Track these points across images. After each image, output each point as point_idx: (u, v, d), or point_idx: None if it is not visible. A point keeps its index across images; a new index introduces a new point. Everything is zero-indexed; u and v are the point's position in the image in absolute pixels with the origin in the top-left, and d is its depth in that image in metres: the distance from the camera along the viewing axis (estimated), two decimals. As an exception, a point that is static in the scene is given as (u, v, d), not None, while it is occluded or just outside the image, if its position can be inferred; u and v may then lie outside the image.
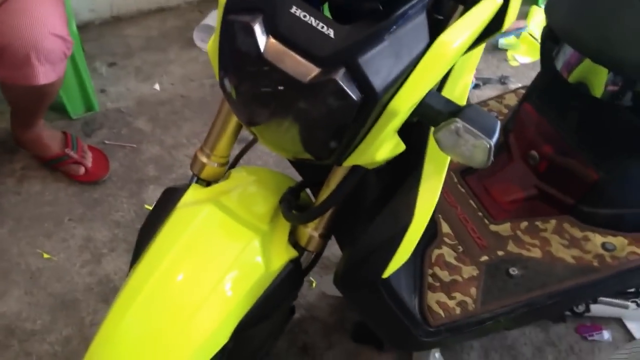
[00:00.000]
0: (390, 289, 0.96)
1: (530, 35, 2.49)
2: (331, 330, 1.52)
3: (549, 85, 1.26)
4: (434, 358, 1.43)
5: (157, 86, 2.17)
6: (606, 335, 1.51)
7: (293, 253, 0.97)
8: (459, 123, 0.70)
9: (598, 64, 1.06)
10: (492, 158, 0.72)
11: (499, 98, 1.48)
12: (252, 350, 1.04)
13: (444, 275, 1.13)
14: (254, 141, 1.09)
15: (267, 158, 1.91)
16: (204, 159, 1.01)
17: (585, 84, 1.14)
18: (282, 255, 0.96)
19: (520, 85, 2.24)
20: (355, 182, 0.89)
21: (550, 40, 1.20)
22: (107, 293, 1.54)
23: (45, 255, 1.62)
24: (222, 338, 0.90)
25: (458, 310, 1.08)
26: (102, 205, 1.76)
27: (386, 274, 0.92)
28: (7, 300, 1.51)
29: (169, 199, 0.98)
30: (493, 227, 1.21)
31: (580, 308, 1.30)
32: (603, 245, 1.16)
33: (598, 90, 1.12)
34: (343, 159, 0.78)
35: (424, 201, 0.88)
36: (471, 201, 1.26)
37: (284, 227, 0.99)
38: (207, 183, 1.04)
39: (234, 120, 0.98)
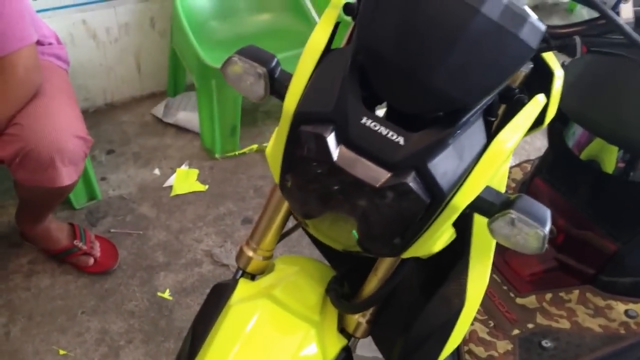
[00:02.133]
0: (443, 373, 0.99)
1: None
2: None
3: (559, 161, 1.33)
4: None
5: (157, 171, 2.20)
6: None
7: (344, 341, 1.00)
8: (513, 214, 0.75)
9: (612, 144, 1.14)
10: (546, 245, 0.77)
11: (506, 173, 1.55)
12: None
13: (480, 351, 1.17)
14: (294, 229, 1.12)
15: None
16: (250, 253, 1.04)
17: (596, 160, 1.22)
18: (335, 344, 0.98)
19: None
20: (407, 271, 0.93)
21: (558, 122, 1.28)
22: (128, 387, 1.52)
23: (62, 352, 1.59)
24: None
25: (499, 386, 1.12)
26: (115, 296, 1.75)
27: (441, 358, 0.95)
28: (25, 401, 1.48)
29: (220, 296, 1.00)
30: (519, 300, 1.25)
31: (609, 374, 1.35)
32: (626, 312, 1.21)
33: (609, 167, 1.20)
34: (402, 252, 0.83)
35: (474, 286, 0.92)
36: (495, 275, 1.31)
37: (333, 315, 1.02)
38: (252, 276, 1.07)
39: (280, 216, 1.02)
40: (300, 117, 0.77)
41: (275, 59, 0.84)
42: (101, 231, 1.93)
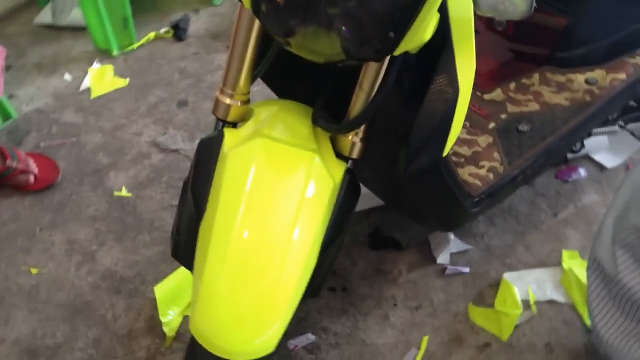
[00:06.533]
0: (448, 166, 1.01)
1: None
2: (348, 247, 1.55)
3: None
4: (450, 239, 1.50)
5: (67, 76, 2.03)
6: (582, 172, 1.65)
7: (344, 164, 0.99)
8: None
9: None
10: (535, 5, 0.76)
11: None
12: (327, 269, 1.04)
13: (464, 150, 1.19)
14: (265, 66, 1.06)
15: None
16: (228, 100, 0.98)
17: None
18: (338, 167, 0.97)
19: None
20: (395, 74, 0.90)
21: None
22: (116, 285, 1.47)
23: (33, 270, 1.51)
24: (313, 262, 0.91)
25: (491, 176, 1.15)
26: (69, 206, 1.65)
27: (446, 151, 0.96)
28: (14, 324, 1.40)
29: (210, 149, 0.95)
30: (487, 97, 1.28)
31: (578, 145, 1.42)
32: (586, 81, 1.26)
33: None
34: (396, 46, 0.80)
35: (463, 72, 0.92)
36: (458, 81, 1.31)
37: (326, 142, 0.99)
38: (233, 125, 1.02)
39: (249, 53, 0.96)
40: None
41: None
42: (30, 148, 1.80)
